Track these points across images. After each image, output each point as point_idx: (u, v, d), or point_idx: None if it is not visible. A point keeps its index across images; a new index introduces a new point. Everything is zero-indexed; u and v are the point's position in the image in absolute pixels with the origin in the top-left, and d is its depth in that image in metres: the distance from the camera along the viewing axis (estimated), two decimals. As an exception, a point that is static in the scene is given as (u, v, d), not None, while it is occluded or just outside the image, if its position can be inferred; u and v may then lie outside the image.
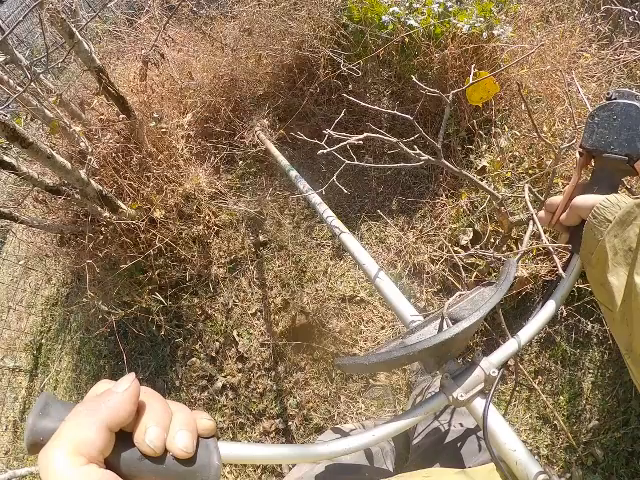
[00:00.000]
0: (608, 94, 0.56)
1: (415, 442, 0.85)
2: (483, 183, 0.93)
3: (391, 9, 1.62)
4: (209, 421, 0.36)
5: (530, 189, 0.84)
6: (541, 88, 1.52)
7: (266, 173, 2.01)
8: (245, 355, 1.73)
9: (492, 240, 1.42)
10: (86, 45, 1.49)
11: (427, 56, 1.63)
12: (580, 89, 0.83)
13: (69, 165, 1.43)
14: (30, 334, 2.52)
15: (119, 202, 1.69)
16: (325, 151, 0.85)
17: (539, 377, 1.31)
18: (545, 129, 1.42)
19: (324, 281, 1.71)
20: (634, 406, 1.14)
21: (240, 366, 1.73)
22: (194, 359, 1.80)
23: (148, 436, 0.31)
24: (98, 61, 1.54)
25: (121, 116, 1.68)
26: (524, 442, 0.47)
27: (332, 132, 0.84)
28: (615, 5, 1.43)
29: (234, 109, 2.03)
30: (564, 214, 0.58)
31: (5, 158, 1.32)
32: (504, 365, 0.53)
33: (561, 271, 0.59)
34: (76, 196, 1.58)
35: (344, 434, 0.82)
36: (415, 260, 1.60)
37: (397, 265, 1.64)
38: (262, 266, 1.84)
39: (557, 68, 1.45)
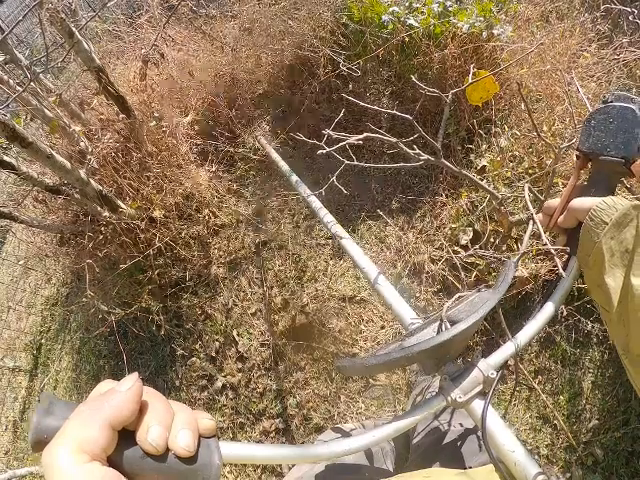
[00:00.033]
0: (605, 97, 0.56)
1: (415, 442, 0.85)
2: (483, 183, 0.93)
3: (391, 9, 1.63)
4: (210, 421, 0.36)
5: (530, 189, 0.84)
6: (541, 88, 1.52)
7: (266, 173, 2.01)
8: (245, 355, 1.73)
9: (492, 240, 1.42)
10: (86, 45, 1.48)
11: (427, 56, 1.63)
12: (580, 89, 0.83)
13: (69, 165, 1.43)
14: (30, 334, 2.52)
15: (119, 202, 1.68)
16: (325, 151, 0.85)
17: (539, 377, 1.32)
18: (545, 129, 1.42)
19: (324, 281, 1.71)
20: (634, 406, 1.14)
21: (240, 366, 1.73)
22: (194, 359, 1.80)
23: (150, 435, 0.32)
24: (98, 61, 1.54)
25: (121, 116, 1.68)
26: (524, 442, 0.48)
27: (331, 132, 0.84)
28: (615, 4, 1.42)
29: (234, 109, 2.03)
30: (562, 216, 0.59)
31: (5, 158, 1.32)
32: (503, 366, 0.53)
33: (562, 271, 0.59)
34: (76, 196, 1.58)
35: (344, 434, 0.82)
36: (415, 260, 1.60)
37: (397, 265, 1.64)
38: (262, 266, 1.84)
39: (557, 68, 1.45)
